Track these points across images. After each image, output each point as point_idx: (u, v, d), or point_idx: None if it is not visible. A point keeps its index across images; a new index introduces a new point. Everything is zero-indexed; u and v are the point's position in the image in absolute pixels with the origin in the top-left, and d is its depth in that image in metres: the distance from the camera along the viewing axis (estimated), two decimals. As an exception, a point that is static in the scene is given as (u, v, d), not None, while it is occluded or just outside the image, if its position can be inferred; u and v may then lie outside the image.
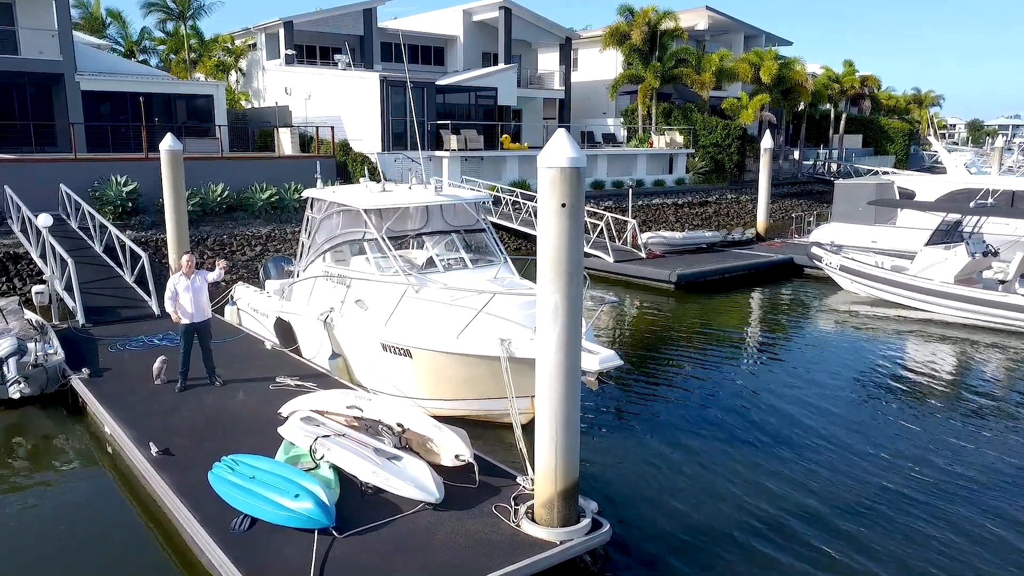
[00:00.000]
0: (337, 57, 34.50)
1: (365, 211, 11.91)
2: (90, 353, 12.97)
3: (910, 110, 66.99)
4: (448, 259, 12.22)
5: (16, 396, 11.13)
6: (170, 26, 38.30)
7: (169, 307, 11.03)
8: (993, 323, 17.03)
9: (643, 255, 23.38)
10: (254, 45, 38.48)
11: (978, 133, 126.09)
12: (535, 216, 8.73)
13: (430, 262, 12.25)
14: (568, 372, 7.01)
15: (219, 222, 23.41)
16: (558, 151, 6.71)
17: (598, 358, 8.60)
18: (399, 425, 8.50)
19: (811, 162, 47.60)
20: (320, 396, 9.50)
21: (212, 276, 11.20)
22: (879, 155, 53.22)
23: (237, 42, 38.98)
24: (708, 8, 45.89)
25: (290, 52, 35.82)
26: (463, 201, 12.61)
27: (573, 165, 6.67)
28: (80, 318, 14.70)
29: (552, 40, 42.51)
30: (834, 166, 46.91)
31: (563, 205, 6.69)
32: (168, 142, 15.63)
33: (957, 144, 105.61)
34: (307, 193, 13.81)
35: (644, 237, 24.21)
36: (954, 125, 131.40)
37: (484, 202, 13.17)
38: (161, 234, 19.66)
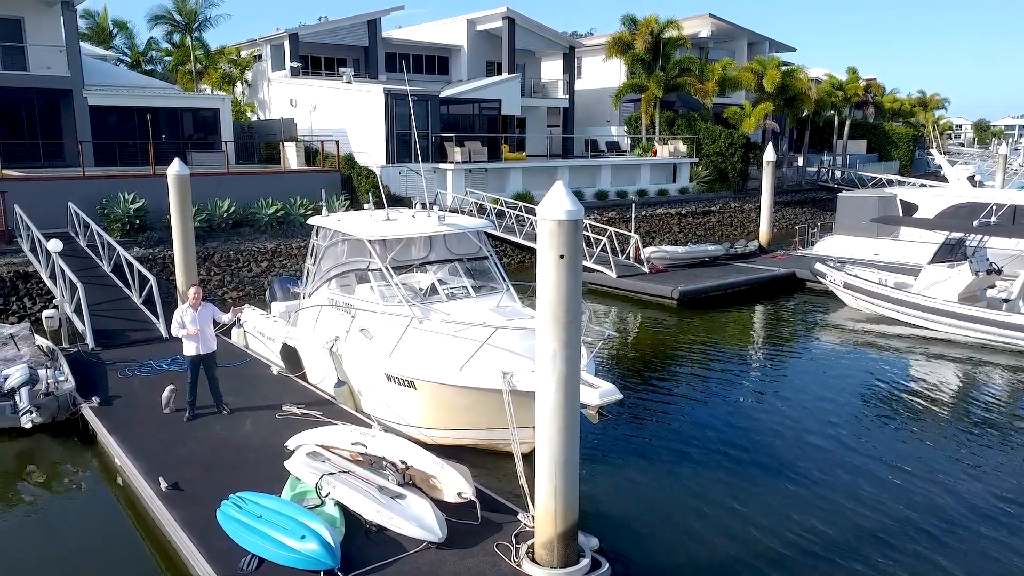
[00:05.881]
0: (342, 70, 34.70)
1: (369, 241, 12.09)
2: (100, 379, 13.17)
3: (915, 113, 66.93)
4: (451, 288, 12.37)
5: (28, 426, 11.35)
6: (176, 38, 38.62)
7: (179, 333, 11.19)
8: (997, 343, 17.08)
9: (646, 270, 23.51)
10: (259, 57, 38.75)
11: (984, 133, 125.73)
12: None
13: (433, 288, 12.41)
14: (567, 417, 7.17)
15: (225, 238, 23.62)
16: (556, 204, 6.86)
17: (598, 392, 8.74)
18: (403, 462, 8.67)
19: (815, 168, 47.61)
20: (326, 431, 9.67)
21: (226, 318, 11.40)
22: (883, 160, 53.23)
23: (243, 53, 39.27)
24: (711, 15, 45.97)
25: (295, 64, 36.04)
26: (466, 230, 12.77)
27: (570, 218, 6.82)
28: (89, 341, 14.90)
29: (556, 49, 42.67)
30: (838, 173, 46.90)
31: (561, 256, 6.85)
32: (175, 167, 15.82)
33: (963, 145, 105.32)
34: (312, 220, 13.99)
35: (647, 251, 24.32)
36: (960, 126, 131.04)
37: (487, 229, 13.31)
38: (168, 250, 19.86)
